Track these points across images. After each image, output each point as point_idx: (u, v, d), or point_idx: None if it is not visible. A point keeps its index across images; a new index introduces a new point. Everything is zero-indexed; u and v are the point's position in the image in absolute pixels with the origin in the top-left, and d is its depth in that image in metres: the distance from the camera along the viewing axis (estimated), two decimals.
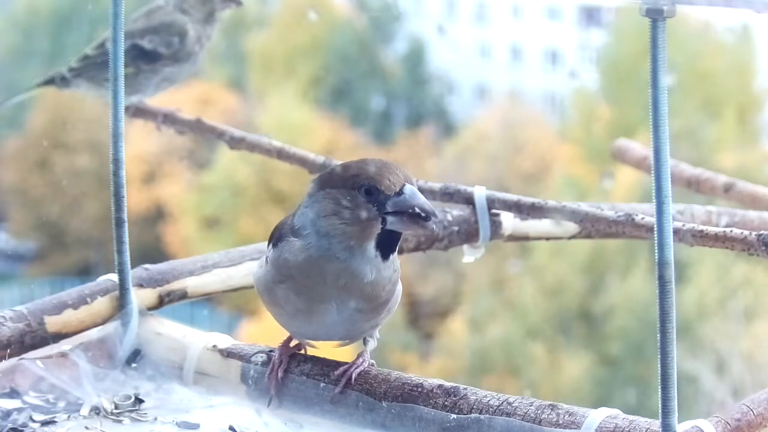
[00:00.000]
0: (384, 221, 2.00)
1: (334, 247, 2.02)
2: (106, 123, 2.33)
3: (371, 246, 2.02)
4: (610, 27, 16.46)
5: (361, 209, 2.00)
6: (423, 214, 1.97)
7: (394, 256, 2.06)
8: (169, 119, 3.10)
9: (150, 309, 2.39)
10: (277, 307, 2.12)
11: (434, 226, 1.99)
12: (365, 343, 2.17)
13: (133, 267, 2.38)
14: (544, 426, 1.94)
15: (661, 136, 1.77)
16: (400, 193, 1.99)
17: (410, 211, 1.98)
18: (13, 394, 2.18)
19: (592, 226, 2.57)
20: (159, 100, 3.18)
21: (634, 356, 13.38)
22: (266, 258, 2.14)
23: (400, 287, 2.13)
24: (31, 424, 2.09)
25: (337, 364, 2.15)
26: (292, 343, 2.20)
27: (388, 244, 2.03)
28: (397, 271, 2.09)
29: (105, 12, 2.30)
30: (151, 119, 3.13)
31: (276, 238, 2.11)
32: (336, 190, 2.02)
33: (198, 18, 3.08)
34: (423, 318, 14.63)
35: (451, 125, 17.23)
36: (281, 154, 2.95)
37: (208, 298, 2.52)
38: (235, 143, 3.02)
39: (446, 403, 2.03)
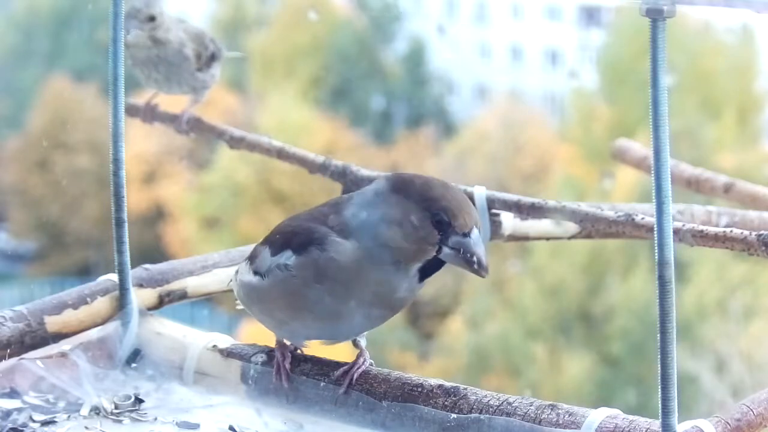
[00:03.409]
0: (440, 250, 1.99)
1: (384, 257, 2.00)
2: (106, 123, 2.33)
3: (416, 267, 2.02)
4: (610, 27, 16.46)
5: (427, 234, 1.98)
6: (478, 266, 1.97)
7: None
8: (192, 122, 3.09)
9: (150, 309, 2.39)
10: (293, 311, 2.09)
11: (483, 275, 1.98)
12: (357, 341, 2.17)
13: (133, 267, 2.38)
14: (544, 426, 1.95)
15: (661, 136, 1.77)
16: (467, 235, 1.97)
17: (469, 255, 1.98)
18: (13, 394, 2.18)
19: (592, 226, 2.57)
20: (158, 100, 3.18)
21: (634, 356, 13.38)
22: (269, 265, 2.09)
23: None
24: (31, 424, 2.09)
25: (337, 365, 2.15)
26: (287, 342, 2.20)
27: (429, 269, 2.03)
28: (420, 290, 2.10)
29: (105, 12, 2.30)
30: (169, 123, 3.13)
31: (301, 241, 2.05)
32: (409, 202, 1.98)
33: None
34: (423, 318, 14.62)
35: (451, 125, 17.23)
36: (281, 154, 2.94)
37: (208, 298, 2.52)
38: (235, 143, 3.02)
39: (446, 403, 2.03)
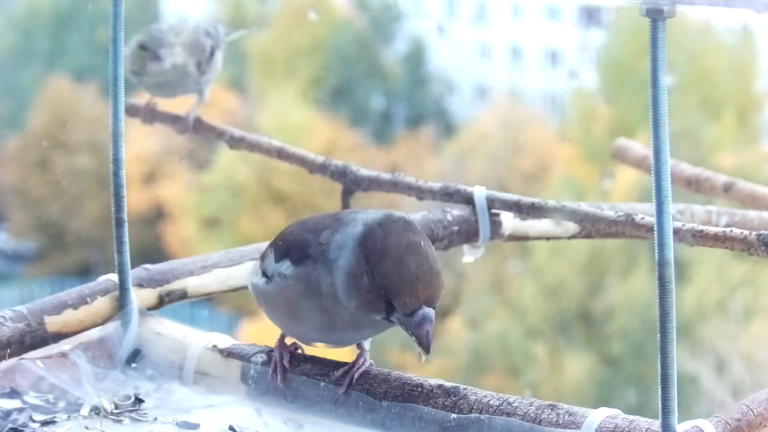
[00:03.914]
0: (388, 317, 2.00)
1: (344, 303, 2.02)
2: (106, 123, 2.33)
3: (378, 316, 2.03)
4: (610, 27, 16.47)
5: (375, 301, 1.98)
6: (418, 344, 1.97)
7: None
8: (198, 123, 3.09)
9: (150, 309, 2.39)
10: (293, 318, 2.12)
11: (422, 357, 1.96)
12: (359, 344, 2.18)
13: (133, 267, 2.38)
14: (544, 426, 1.94)
15: (661, 136, 1.77)
16: (410, 315, 1.97)
17: (410, 334, 1.98)
18: (13, 394, 2.18)
19: (592, 226, 2.57)
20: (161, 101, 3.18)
21: (634, 356, 13.38)
22: (273, 271, 2.12)
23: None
24: (31, 424, 2.09)
25: (337, 365, 2.15)
26: (288, 341, 2.20)
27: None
28: None
29: (105, 12, 2.30)
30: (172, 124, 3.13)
31: (298, 253, 2.07)
32: (368, 265, 1.97)
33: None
34: None
35: (451, 125, 17.24)
36: (281, 154, 2.95)
37: (208, 298, 2.52)
38: (235, 143, 3.02)
39: (446, 403, 2.03)
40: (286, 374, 2.16)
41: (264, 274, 2.15)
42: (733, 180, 3.21)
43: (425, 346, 1.96)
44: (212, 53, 3.11)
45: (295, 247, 2.09)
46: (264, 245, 2.26)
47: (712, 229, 2.28)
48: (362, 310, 2.00)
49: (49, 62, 16.82)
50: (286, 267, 2.09)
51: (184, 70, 3.04)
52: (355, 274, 1.98)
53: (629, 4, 2.16)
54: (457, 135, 16.87)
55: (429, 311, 1.97)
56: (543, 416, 1.96)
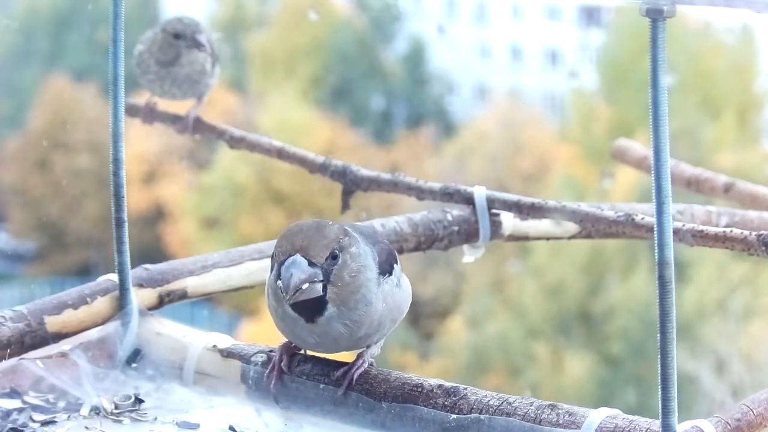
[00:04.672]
0: (277, 279, 2.03)
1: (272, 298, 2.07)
2: (106, 123, 2.33)
3: (287, 308, 2.03)
4: (610, 27, 16.47)
5: (273, 269, 2.04)
6: (279, 282, 2.00)
7: (341, 312, 2.04)
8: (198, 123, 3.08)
9: (150, 309, 2.39)
10: (277, 323, 2.14)
11: (286, 301, 1.99)
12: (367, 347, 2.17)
13: (133, 267, 2.38)
14: (544, 426, 1.94)
15: (661, 136, 1.77)
16: (282, 263, 2.00)
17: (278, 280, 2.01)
18: (13, 394, 2.18)
19: (592, 226, 2.57)
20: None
21: (634, 356, 13.39)
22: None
23: (406, 296, 2.14)
24: (31, 424, 2.09)
25: (337, 365, 2.15)
26: (292, 343, 2.20)
27: (303, 308, 2.03)
28: (391, 296, 2.10)
29: (105, 12, 2.30)
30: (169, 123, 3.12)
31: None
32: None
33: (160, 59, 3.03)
34: (423, 318, 14.63)
35: (451, 125, 17.24)
36: (281, 154, 2.95)
37: (208, 298, 2.52)
38: (235, 143, 3.02)
39: (446, 403, 2.03)
40: (282, 377, 2.16)
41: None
42: (733, 180, 3.21)
43: (285, 285, 1.98)
44: (216, 57, 3.11)
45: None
46: (264, 245, 2.27)
47: (712, 229, 2.28)
48: (272, 287, 2.04)
49: (49, 62, 16.82)
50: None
51: (203, 68, 3.03)
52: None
53: (629, 4, 2.17)
54: (457, 135, 16.87)
55: (298, 257, 1.99)
56: (543, 416, 1.96)
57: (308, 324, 2.04)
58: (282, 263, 2.00)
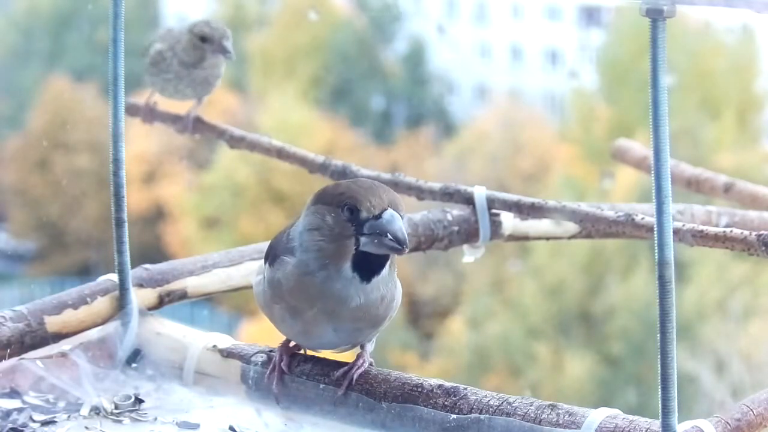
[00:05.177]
0: (358, 242, 2.01)
1: (311, 264, 2.03)
2: (106, 123, 2.33)
3: (347, 267, 2.02)
4: (610, 27, 16.46)
5: (342, 228, 2.01)
6: (395, 242, 1.98)
7: (384, 277, 2.05)
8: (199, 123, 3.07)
9: (150, 309, 2.39)
10: (277, 323, 2.14)
11: (400, 250, 1.99)
12: (362, 345, 2.17)
13: (133, 267, 2.38)
14: (544, 426, 1.94)
15: (661, 136, 1.77)
16: (379, 216, 1.99)
17: (385, 235, 1.99)
18: (13, 394, 2.18)
19: (592, 226, 2.57)
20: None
21: (634, 356, 13.38)
22: (264, 275, 2.14)
23: (399, 291, 2.14)
24: (31, 424, 2.09)
25: (337, 365, 2.15)
26: (292, 343, 2.20)
27: (367, 267, 2.03)
28: (395, 287, 2.10)
29: (105, 12, 2.30)
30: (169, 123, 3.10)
31: (271, 257, 2.11)
32: (325, 206, 2.04)
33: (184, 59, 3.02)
34: (423, 318, 14.63)
35: (451, 125, 17.23)
36: (281, 154, 2.94)
37: (208, 298, 2.52)
38: (235, 142, 3.02)
39: (446, 403, 2.03)
40: (282, 378, 2.16)
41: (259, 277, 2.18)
42: (733, 180, 3.21)
43: (401, 240, 1.98)
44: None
45: (270, 250, 2.14)
46: (264, 245, 2.27)
47: (712, 230, 2.28)
48: (332, 246, 2.01)
49: (49, 62, 16.81)
50: (266, 269, 2.12)
51: (219, 71, 3.02)
52: (315, 225, 2.03)
53: (629, 4, 2.16)
54: (457, 135, 16.86)
55: (393, 211, 2.00)
56: (543, 416, 1.96)
57: (360, 284, 2.02)
58: (379, 216, 1.99)
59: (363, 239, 2.00)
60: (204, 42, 2.94)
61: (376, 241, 1.99)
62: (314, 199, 2.07)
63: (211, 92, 3.08)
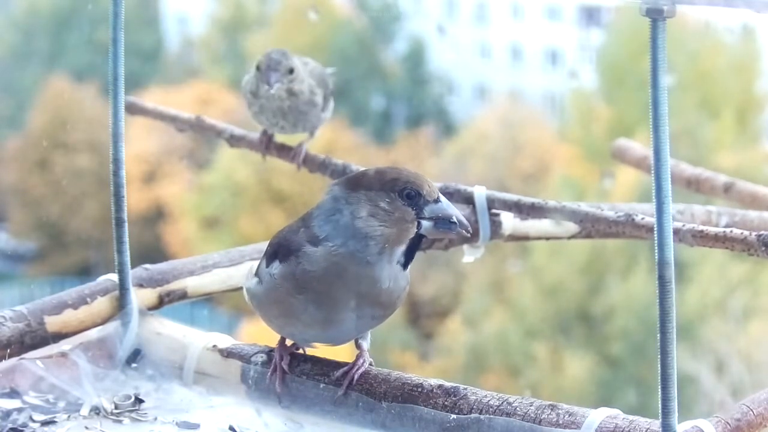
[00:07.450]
0: (419, 225, 2.03)
1: (368, 249, 2.03)
2: (106, 123, 2.33)
3: (401, 251, 2.04)
4: (610, 27, 16.46)
5: (403, 212, 2.02)
6: (457, 224, 2.02)
7: (409, 269, 2.09)
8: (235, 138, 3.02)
9: (150, 309, 2.39)
10: (286, 318, 2.12)
11: (466, 232, 2.03)
12: (358, 342, 2.17)
13: (133, 267, 2.38)
14: (544, 426, 1.95)
15: (661, 136, 1.77)
16: (438, 200, 2.03)
17: (448, 219, 2.02)
18: (13, 394, 2.18)
19: (592, 226, 2.57)
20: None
21: (634, 356, 13.38)
22: (264, 273, 2.13)
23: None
24: (31, 424, 2.09)
25: (337, 365, 2.15)
26: (288, 343, 2.20)
27: (411, 253, 2.06)
28: (409, 283, 2.11)
29: (105, 12, 2.31)
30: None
31: (282, 253, 2.09)
32: (373, 193, 2.03)
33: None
34: (423, 318, 14.63)
35: (451, 125, 17.23)
36: (281, 153, 2.94)
37: (208, 298, 2.52)
38: (236, 141, 3.02)
39: (446, 403, 2.03)
40: (285, 377, 2.16)
41: (257, 276, 2.17)
42: (733, 180, 3.21)
43: (464, 223, 2.03)
44: (331, 93, 3.03)
45: (281, 248, 2.11)
46: (264, 245, 2.27)
47: (712, 230, 2.28)
48: (393, 230, 2.02)
49: (49, 62, 16.81)
50: (275, 267, 2.10)
51: (312, 99, 2.93)
52: (369, 212, 2.02)
53: (629, 4, 2.16)
54: (457, 135, 16.86)
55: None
56: (543, 416, 1.96)
57: (396, 270, 2.05)
58: (438, 200, 2.03)
59: (425, 223, 2.02)
60: (258, 70, 2.87)
61: (439, 224, 2.02)
62: (351, 186, 2.06)
63: (317, 124, 2.97)
